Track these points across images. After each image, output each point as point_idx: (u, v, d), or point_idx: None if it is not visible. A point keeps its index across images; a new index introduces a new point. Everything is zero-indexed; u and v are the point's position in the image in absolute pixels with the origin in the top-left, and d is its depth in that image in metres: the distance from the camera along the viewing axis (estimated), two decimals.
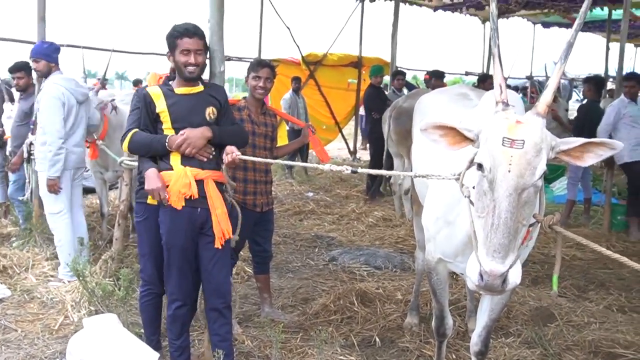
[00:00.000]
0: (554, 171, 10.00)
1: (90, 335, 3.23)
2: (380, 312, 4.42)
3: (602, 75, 13.06)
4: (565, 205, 7.52)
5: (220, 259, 3.20)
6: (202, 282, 3.26)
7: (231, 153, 3.13)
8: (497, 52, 2.24)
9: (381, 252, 5.92)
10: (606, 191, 7.20)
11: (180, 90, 3.16)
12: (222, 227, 3.10)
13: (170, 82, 3.24)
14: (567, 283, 5.17)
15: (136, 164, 3.52)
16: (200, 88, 3.20)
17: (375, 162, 8.38)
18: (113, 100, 5.73)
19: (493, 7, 2.27)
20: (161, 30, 3.15)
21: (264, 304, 4.47)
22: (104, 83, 5.97)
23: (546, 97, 2.15)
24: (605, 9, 12.94)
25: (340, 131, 13.24)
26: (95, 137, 5.45)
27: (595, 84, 7.57)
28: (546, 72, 11.95)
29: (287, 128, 10.39)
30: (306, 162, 10.61)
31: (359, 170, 3.07)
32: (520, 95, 15.57)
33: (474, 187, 2.22)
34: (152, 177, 3.03)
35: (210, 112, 3.19)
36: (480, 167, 2.11)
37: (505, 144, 2.03)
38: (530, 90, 16.92)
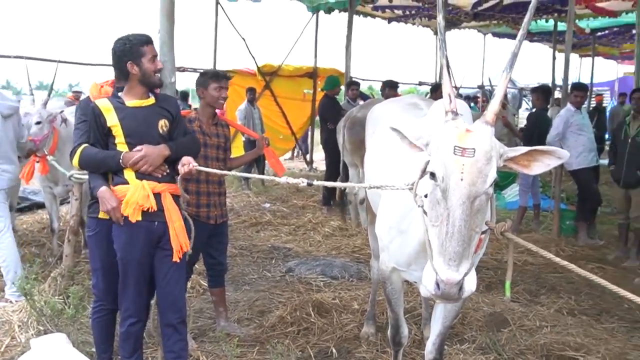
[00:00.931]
0: (505, 178, 10.23)
1: (38, 356, 3.10)
2: (337, 322, 4.41)
3: (550, 84, 13.48)
4: (517, 211, 7.70)
5: (176, 273, 3.14)
6: (158, 297, 3.19)
7: (187, 164, 3.09)
8: (445, 62, 2.27)
9: (337, 262, 5.92)
10: (555, 197, 7.41)
11: (131, 102, 3.08)
12: (179, 240, 3.05)
13: (120, 94, 3.15)
14: (520, 288, 5.28)
15: (86, 177, 3.43)
16: (151, 100, 3.14)
17: (331, 172, 8.39)
18: (62, 112, 5.58)
19: (440, 19, 2.32)
20: (112, 41, 3.06)
21: (220, 317, 4.40)
22: (50, 95, 5.78)
23: (494, 106, 2.19)
24: (551, 20, 13.41)
25: (297, 141, 13.27)
26: (46, 152, 5.28)
27: (542, 92, 7.80)
28: (490, 83, 12.25)
29: (243, 139, 10.39)
30: (263, 173, 10.57)
31: (315, 182, 3.10)
32: (472, 104, 15.92)
33: (426, 196, 2.24)
34: (107, 197, 2.97)
35: (163, 124, 3.13)
36: (432, 176, 2.14)
37: (457, 153, 2.06)
38: (481, 100, 17.30)
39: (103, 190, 2.98)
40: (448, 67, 2.26)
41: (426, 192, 2.24)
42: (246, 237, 7.20)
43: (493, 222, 2.37)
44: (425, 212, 2.25)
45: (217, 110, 4.21)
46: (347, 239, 7.01)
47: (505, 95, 14.00)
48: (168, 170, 3.11)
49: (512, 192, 9.32)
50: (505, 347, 4.02)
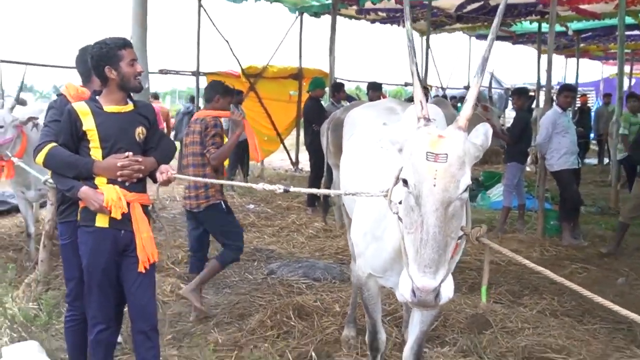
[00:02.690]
0: (490, 178, 10.26)
1: None
2: (318, 325, 4.36)
3: (535, 85, 13.56)
4: (502, 211, 7.68)
5: (145, 281, 3.08)
6: (127, 305, 3.15)
7: (166, 172, 3.07)
8: (415, 69, 2.24)
9: (320, 264, 5.88)
10: (539, 197, 7.41)
11: (110, 108, 2.99)
12: (147, 251, 3.00)
13: (97, 98, 3.06)
14: (502, 289, 5.25)
15: None
16: (130, 107, 3.06)
17: (316, 174, 8.36)
18: (36, 118, 5.43)
19: (408, 26, 2.28)
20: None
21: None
22: (19, 99, 5.65)
23: (466, 111, 2.17)
24: (535, 23, 13.49)
25: (282, 142, 13.21)
26: (10, 155, 5.19)
27: (520, 94, 7.83)
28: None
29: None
30: (247, 174, 10.53)
31: (291, 189, 3.09)
32: (459, 104, 15.96)
33: (401, 203, 2.20)
34: (92, 195, 2.90)
35: (140, 132, 3.07)
36: (405, 183, 2.10)
37: (429, 159, 2.03)
38: None
39: (86, 189, 2.91)
40: (418, 73, 2.23)
41: (401, 199, 2.21)
42: None
43: (468, 228, 2.33)
44: (400, 219, 2.21)
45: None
46: (330, 240, 6.97)
47: (490, 98, 14.12)
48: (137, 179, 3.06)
49: (497, 192, 9.32)
50: (487, 350, 3.99)
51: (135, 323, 3.11)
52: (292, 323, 4.35)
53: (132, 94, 3.11)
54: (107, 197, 2.89)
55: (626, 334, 4.33)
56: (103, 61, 2.93)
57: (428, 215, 2.00)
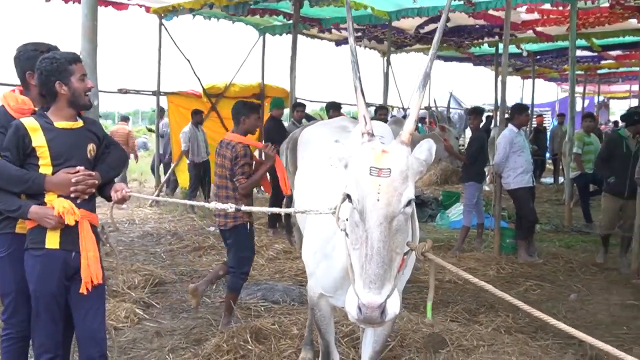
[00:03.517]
0: (449, 198, 10.42)
1: None
2: (275, 348, 4.32)
3: (493, 105, 13.86)
4: (461, 230, 7.79)
5: (95, 305, 3.01)
6: (76, 330, 3.05)
7: (121, 190, 3.03)
8: (358, 85, 2.26)
9: (279, 286, 5.84)
10: (495, 216, 7.54)
11: (60, 124, 2.93)
12: (91, 271, 2.91)
13: (46, 113, 2.97)
14: (459, 307, 5.30)
15: None
16: (80, 123, 3.01)
17: (277, 194, 8.28)
18: None
19: (351, 41, 2.31)
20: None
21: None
22: None
23: (409, 125, 2.20)
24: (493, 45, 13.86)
25: None
26: None
27: (476, 113, 7.97)
28: (436, 104, 12.50)
29: (188, 162, 10.37)
30: (208, 195, 10.43)
31: (242, 208, 3.11)
32: (420, 125, 16.18)
33: (347, 220, 2.21)
34: (44, 213, 2.82)
35: (91, 149, 3.02)
36: (350, 198, 2.11)
37: (373, 173, 2.04)
38: (429, 121, 17.60)
39: (36, 208, 2.82)
40: (362, 90, 2.25)
41: (347, 215, 2.21)
42: (187, 262, 7.04)
43: (415, 242, 2.34)
44: (347, 235, 2.21)
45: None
46: (291, 262, 6.94)
47: (449, 118, 14.30)
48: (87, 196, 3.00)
49: (456, 212, 9.46)
50: None
51: (84, 350, 3.02)
52: (249, 347, 4.30)
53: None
54: (57, 207, 2.82)
55: (577, 349, 4.41)
56: (54, 76, 2.86)
57: (372, 230, 2.01)
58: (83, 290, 2.89)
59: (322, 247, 2.75)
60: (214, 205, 3.01)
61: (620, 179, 6.73)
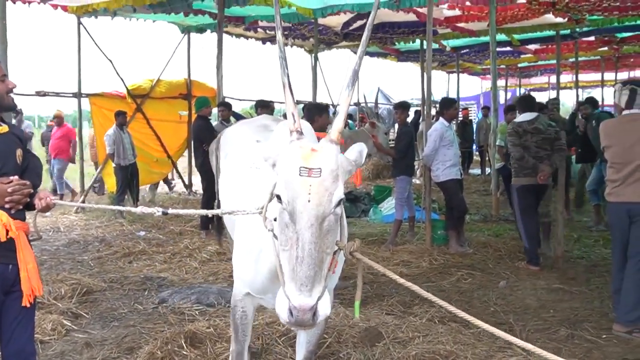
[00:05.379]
0: (381, 192, 10.56)
1: None
2: (211, 352, 4.23)
3: (420, 100, 14.16)
4: (393, 224, 7.90)
5: (25, 318, 2.86)
6: (2, 344, 2.88)
7: (45, 198, 2.88)
8: (287, 81, 2.20)
9: (214, 288, 5.73)
10: (426, 208, 7.69)
11: None
12: (31, 284, 2.78)
13: None
14: (394, 300, 5.37)
15: None
16: (6, 128, 2.83)
17: (208, 196, 8.18)
18: None
19: (279, 36, 2.26)
20: None
21: None
22: None
23: (338, 124, 2.15)
24: (418, 41, 14.16)
25: (174, 165, 12.86)
26: None
27: (402, 108, 8.09)
28: (365, 100, 12.66)
29: (114, 165, 10.07)
30: (137, 198, 10.14)
31: (169, 211, 2.99)
32: (350, 121, 16.33)
33: (276, 220, 2.16)
34: None
35: (19, 154, 2.86)
36: (279, 199, 2.05)
37: (303, 174, 1.98)
38: (359, 116, 17.80)
39: None
40: (290, 85, 2.21)
41: (275, 215, 2.16)
42: (117, 268, 6.81)
43: (344, 242, 2.31)
44: (275, 237, 2.16)
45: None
46: (224, 263, 6.82)
47: (377, 114, 14.50)
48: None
49: (388, 206, 9.59)
50: None
51: None
52: (184, 352, 4.19)
53: None
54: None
55: (508, 333, 4.54)
56: None
57: (303, 231, 1.96)
58: (25, 303, 2.77)
59: (250, 248, 2.69)
60: (140, 210, 2.90)
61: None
